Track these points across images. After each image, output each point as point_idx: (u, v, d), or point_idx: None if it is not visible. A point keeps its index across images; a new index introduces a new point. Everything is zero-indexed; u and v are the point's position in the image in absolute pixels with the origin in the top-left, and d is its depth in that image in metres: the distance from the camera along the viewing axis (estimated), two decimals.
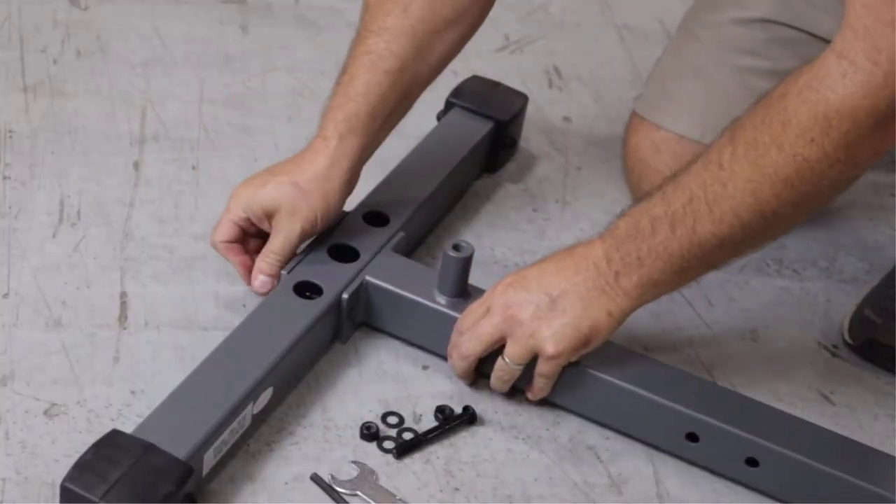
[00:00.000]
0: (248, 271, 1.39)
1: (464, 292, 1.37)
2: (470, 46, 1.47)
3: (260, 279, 1.38)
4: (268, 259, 1.38)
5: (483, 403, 1.37)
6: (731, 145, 1.19)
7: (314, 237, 1.41)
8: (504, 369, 1.32)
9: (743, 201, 1.18)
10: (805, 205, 1.19)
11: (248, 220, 1.38)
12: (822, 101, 1.12)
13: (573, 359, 1.31)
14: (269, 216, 1.37)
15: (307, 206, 1.36)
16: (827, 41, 1.52)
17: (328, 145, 1.37)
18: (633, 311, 1.30)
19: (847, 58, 1.11)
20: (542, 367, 1.31)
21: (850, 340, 1.50)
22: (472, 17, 1.42)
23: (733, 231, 1.21)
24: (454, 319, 1.35)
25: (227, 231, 1.39)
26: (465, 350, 1.33)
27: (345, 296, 1.36)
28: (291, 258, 1.38)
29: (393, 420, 1.33)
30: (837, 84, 1.11)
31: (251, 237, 1.41)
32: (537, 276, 1.30)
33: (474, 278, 1.38)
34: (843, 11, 1.53)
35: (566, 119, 1.82)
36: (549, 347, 1.28)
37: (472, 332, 1.32)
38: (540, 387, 1.33)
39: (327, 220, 1.40)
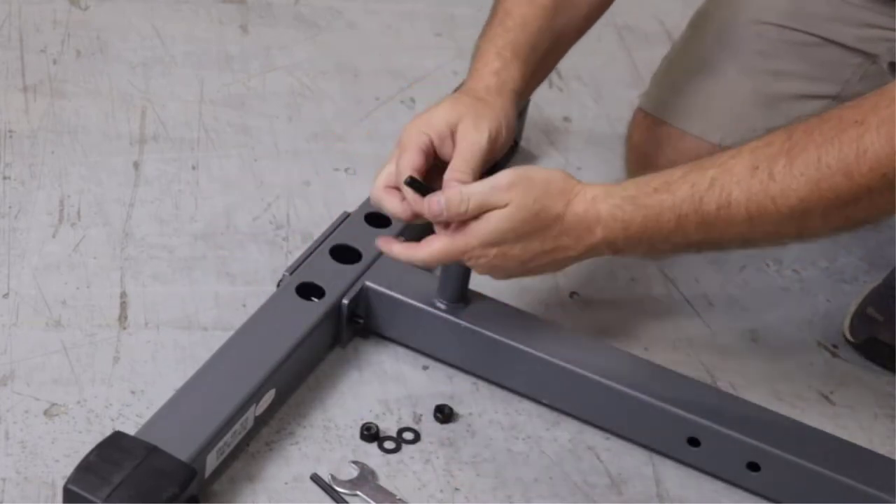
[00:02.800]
0: (410, 215, 1.26)
1: (464, 297, 1.37)
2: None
3: (443, 201, 1.22)
4: (460, 168, 1.24)
5: (483, 403, 1.37)
6: (787, 158, 1.14)
7: (490, 163, 1.28)
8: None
9: (790, 218, 1.14)
10: (844, 227, 1.16)
11: (430, 143, 1.25)
12: None
13: None
14: (453, 132, 1.26)
15: (491, 113, 1.27)
16: (838, 45, 1.53)
17: (492, 68, 1.31)
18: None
19: None
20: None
21: (851, 338, 1.50)
22: None
23: (765, 237, 1.18)
24: (455, 325, 1.35)
25: (416, 159, 1.24)
26: (417, 259, 1.25)
27: (345, 301, 1.36)
28: (479, 169, 1.25)
29: (393, 420, 1.33)
30: None
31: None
32: (522, 248, 1.22)
33: (474, 279, 1.38)
34: (854, 16, 1.53)
35: (566, 119, 1.82)
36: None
37: (437, 257, 1.24)
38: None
39: (511, 133, 1.30)
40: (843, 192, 1.12)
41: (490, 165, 1.28)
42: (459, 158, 1.25)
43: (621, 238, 1.21)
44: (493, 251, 1.22)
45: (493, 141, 1.26)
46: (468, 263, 1.25)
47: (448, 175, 1.24)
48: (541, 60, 1.37)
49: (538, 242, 1.21)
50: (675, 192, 1.18)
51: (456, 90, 1.36)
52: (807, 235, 1.18)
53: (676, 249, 1.23)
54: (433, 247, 1.24)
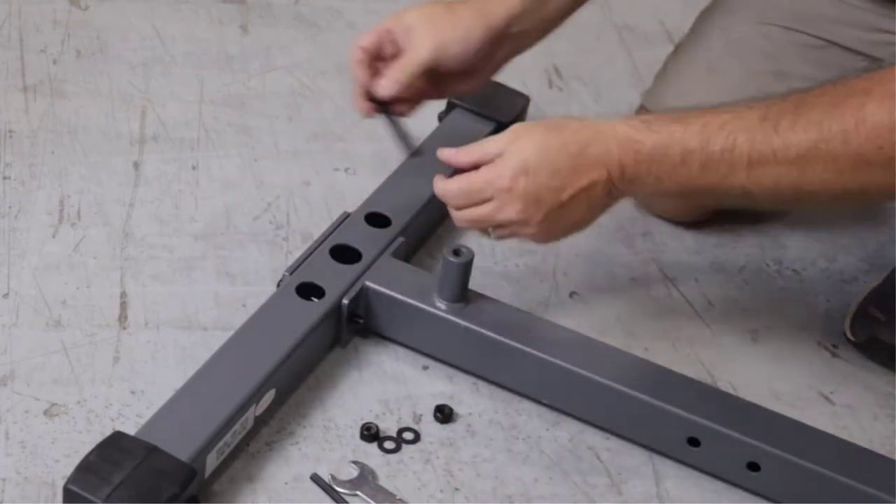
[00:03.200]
0: (362, 96, 1.40)
1: (464, 297, 1.37)
2: None
3: (382, 82, 1.38)
4: (396, 68, 1.38)
5: (483, 403, 1.37)
6: (794, 115, 1.16)
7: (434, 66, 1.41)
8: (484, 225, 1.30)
9: (787, 173, 1.16)
10: (844, 199, 1.18)
11: (392, 36, 1.39)
12: None
13: None
14: (411, 30, 1.38)
15: (451, 28, 1.38)
16: (842, 48, 1.53)
17: None
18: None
19: None
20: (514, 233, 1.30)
21: (851, 337, 1.50)
22: None
23: (763, 192, 1.19)
24: (455, 324, 1.35)
25: (372, 38, 1.38)
26: (454, 190, 1.31)
27: (345, 301, 1.36)
28: (415, 79, 1.39)
29: (392, 420, 1.33)
30: None
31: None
32: (550, 167, 1.24)
33: (474, 279, 1.38)
34: (859, 20, 1.53)
35: None
36: (538, 238, 1.29)
37: (460, 191, 1.29)
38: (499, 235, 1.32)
39: (462, 49, 1.39)
40: (839, 157, 1.14)
41: (441, 71, 1.40)
42: (399, 64, 1.38)
43: (632, 163, 1.23)
44: (523, 182, 1.24)
45: (433, 58, 1.38)
46: (492, 229, 1.29)
47: (387, 69, 1.38)
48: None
49: (567, 166, 1.24)
50: (688, 126, 1.21)
51: None
52: (804, 199, 1.19)
53: (682, 189, 1.24)
54: (462, 180, 1.29)
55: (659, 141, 1.22)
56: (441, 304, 1.37)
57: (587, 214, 1.28)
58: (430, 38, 1.37)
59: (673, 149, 1.21)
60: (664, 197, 1.25)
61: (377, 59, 1.41)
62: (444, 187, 1.32)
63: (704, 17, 1.63)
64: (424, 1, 1.42)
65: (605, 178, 1.24)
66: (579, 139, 1.24)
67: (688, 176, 1.22)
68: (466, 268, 1.35)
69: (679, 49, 1.64)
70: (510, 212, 1.26)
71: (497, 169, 1.26)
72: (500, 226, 1.29)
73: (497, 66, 1.46)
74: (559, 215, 1.26)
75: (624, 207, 1.65)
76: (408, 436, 1.32)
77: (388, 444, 1.31)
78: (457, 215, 1.31)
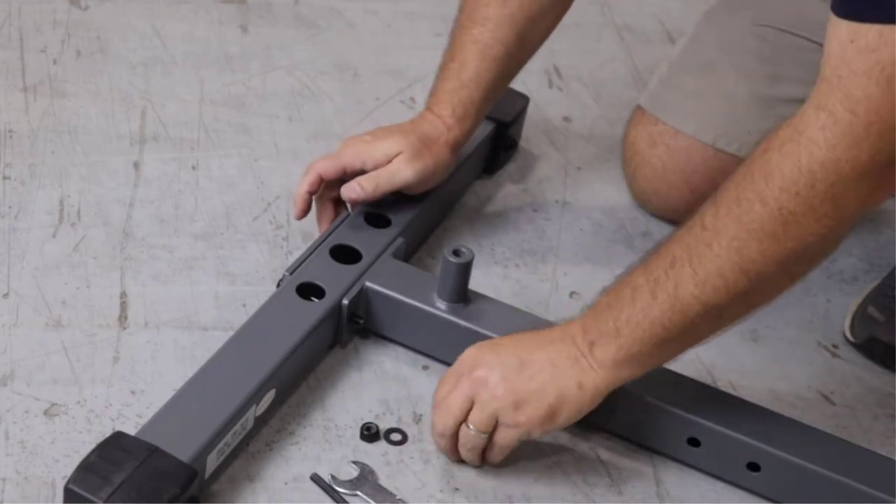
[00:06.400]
0: (304, 209, 1.45)
1: (464, 297, 1.37)
2: None
3: (351, 185, 1.42)
4: (369, 178, 1.42)
5: None
6: (714, 206, 1.15)
7: (415, 193, 1.47)
8: (467, 436, 1.24)
9: (728, 260, 1.14)
10: (791, 264, 1.14)
11: (359, 169, 1.43)
12: (806, 154, 1.09)
13: (537, 434, 1.24)
14: (389, 160, 1.43)
15: (431, 157, 1.44)
16: None
17: (446, 122, 1.46)
18: (610, 387, 1.23)
19: (825, 109, 1.08)
20: (499, 435, 1.24)
21: (851, 338, 1.50)
22: (564, 1, 1.48)
23: (717, 294, 1.15)
24: (455, 325, 1.35)
25: (334, 169, 1.43)
26: (440, 427, 1.26)
27: (345, 301, 1.36)
28: (384, 190, 1.43)
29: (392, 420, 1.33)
30: (818, 136, 1.08)
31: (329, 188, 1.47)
32: (510, 343, 1.25)
33: (474, 279, 1.38)
34: None
35: (566, 119, 1.82)
36: (510, 416, 1.22)
37: (443, 407, 1.25)
38: (493, 455, 1.26)
39: (438, 179, 1.47)
40: (765, 221, 1.12)
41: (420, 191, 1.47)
42: (374, 173, 1.42)
43: (593, 329, 1.21)
44: (487, 355, 1.24)
45: (417, 182, 1.43)
46: (480, 418, 1.24)
47: (359, 178, 1.42)
48: (491, 104, 1.51)
49: (520, 338, 1.26)
50: (632, 271, 1.22)
51: (410, 121, 1.47)
52: (758, 284, 1.16)
53: (649, 335, 1.19)
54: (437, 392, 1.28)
55: (610, 293, 1.22)
56: (441, 304, 1.37)
57: (563, 379, 1.23)
58: (412, 168, 1.43)
59: (624, 292, 1.20)
60: (641, 368, 1.24)
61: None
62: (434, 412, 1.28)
63: (704, 18, 1.63)
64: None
65: (568, 345, 1.23)
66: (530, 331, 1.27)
67: (644, 310, 1.18)
68: (466, 268, 1.35)
69: (676, 50, 1.64)
70: (492, 390, 1.23)
71: (457, 365, 1.27)
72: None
73: None
74: (532, 376, 1.23)
75: (624, 207, 1.65)
76: (395, 437, 1.32)
77: (393, 437, 1.31)
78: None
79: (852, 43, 1.06)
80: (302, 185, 1.44)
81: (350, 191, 1.42)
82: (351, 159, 1.43)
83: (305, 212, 1.45)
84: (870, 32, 1.05)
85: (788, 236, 1.12)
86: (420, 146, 1.43)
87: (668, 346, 1.21)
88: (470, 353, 1.26)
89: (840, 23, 1.07)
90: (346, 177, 1.44)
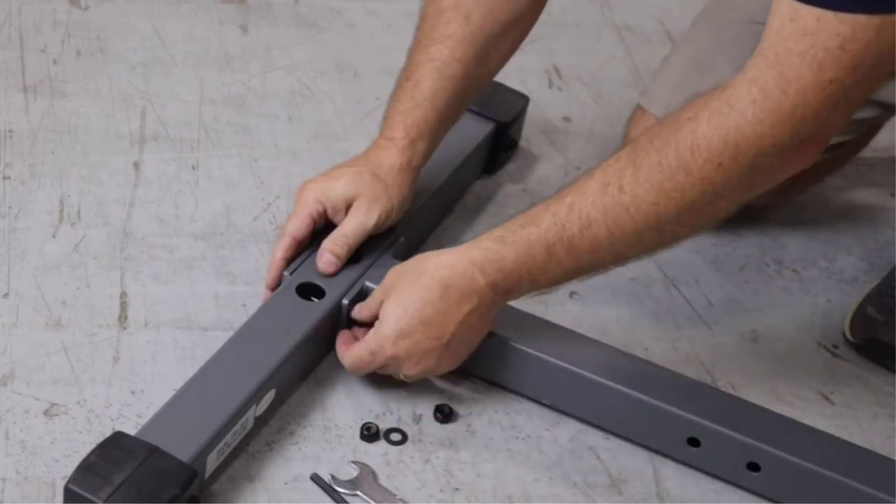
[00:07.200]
0: (278, 278, 1.39)
1: None
2: None
3: (326, 257, 1.37)
4: (338, 241, 1.38)
5: (483, 404, 1.37)
6: (633, 168, 1.19)
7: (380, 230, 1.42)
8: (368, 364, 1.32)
9: (646, 224, 1.19)
10: (700, 224, 1.21)
11: (323, 212, 1.39)
12: (733, 127, 1.12)
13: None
14: (348, 205, 1.39)
15: (387, 196, 1.39)
16: None
17: (399, 146, 1.40)
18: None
19: (758, 84, 1.11)
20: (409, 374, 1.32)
21: (851, 338, 1.50)
22: (527, 20, 1.45)
23: (630, 249, 1.23)
24: None
25: (304, 225, 1.38)
26: (349, 369, 1.34)
27: (345, 301, 1.36)
28: (356, 246, 1.39)
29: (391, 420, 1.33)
30: (747, 110, 1.11)
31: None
32: (421, 323, 1.27)
33: None
34: None
35: (566, 119, 1.82)
36: (427, 373, 1.31)
37: (353, 364, 1.32)
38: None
39: (401, 213, 1.42)
40: (687, 190, 1.16)
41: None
42: (341, 233, 1.38)
43: (501, 279, 1.26)
44: (405, 343, 1.27)
45: (380, 223, 1.39)
46: (402, 375, 1.31)
47: (325, 243, 1.37)
48: (448, 125, 1.45)
49: (436, 313, 1.27)
50: (539, 224, 1.24)
51: (364, 152, 1.43)
52: (670, 240, 1.23)
53: (559, 279, 1.27)
54: (350, 352, 1.32)
55: (520, 250, 1.25)
56: None
57: (480, 329, 1.31)
58: (374, 215, 1.39)
59: (535, 250, 1.24)
60: (548, 286, 1.30)
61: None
62: (344, 361, 1.33)
63: (700, 16, 1.63)
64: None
65: (477, 303, 1.27)
66: (439, 282, 1.27)
67: (559, 266, 1.24)
68: None
69: (674, 48, 1.64)
70: (408, 370, 1.30)
71: (377, 339, 1.29)
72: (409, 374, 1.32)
73: None
74: (453, 348, 1.29)
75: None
76: (395, 437, 1.32)
77: (396, 437, 1.31)
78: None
79: (791, 22, 1.09)
80: (277, 252, 1.38)
81: (328, 265, 1.37)
82: (314, 206, 1.38)
83: (278, 280, 1.38)
84: (809, 15, 1.07)
85: (706, 204, 1.17)
86: (375, 184, 1.39)
87: (573, 278, 1.28)
88: (389, 335, 1.28)
89: (783, 0, 1.09)
90: (315, 225, 1.40)
